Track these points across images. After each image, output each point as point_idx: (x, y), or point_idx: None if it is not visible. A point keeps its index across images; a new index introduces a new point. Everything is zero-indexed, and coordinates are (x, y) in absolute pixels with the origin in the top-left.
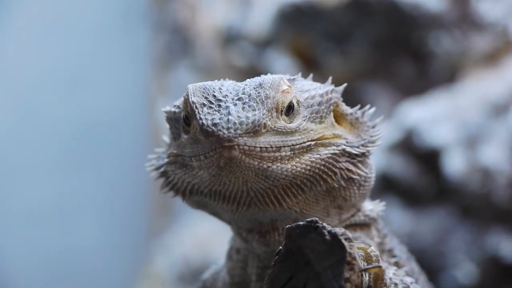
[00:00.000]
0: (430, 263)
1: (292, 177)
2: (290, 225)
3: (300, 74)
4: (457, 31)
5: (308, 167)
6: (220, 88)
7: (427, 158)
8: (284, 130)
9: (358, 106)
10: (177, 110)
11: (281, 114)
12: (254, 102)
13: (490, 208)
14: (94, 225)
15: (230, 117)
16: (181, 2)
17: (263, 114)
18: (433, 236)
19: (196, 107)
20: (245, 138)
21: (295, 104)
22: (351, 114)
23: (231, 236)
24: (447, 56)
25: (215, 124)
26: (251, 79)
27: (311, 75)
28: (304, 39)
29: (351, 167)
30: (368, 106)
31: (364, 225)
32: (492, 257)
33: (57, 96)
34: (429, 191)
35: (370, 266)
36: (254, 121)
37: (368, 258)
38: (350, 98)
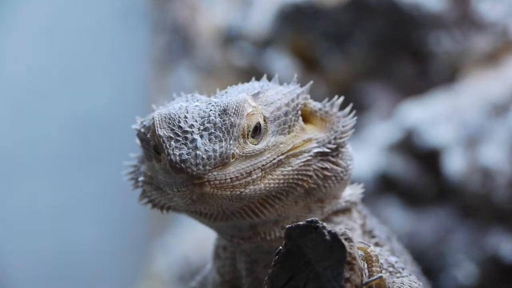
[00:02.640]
0: (430, 263)
1: (266, 193)
2: (290, 225)
3: (265, 77)
4: (457, 31)
5: (282, 181)
6: (185, 117)
7: (427, 158)
8: (253, 153)
9: (326, 99)
10: (146, 132)
11: (248, 137)
12: (220, 132)
13: (490, 208)
14: (94, 225)
15: (197, 151)
16: (181, 2)
17: (230, 145)
18: (433, 236)
19: (164, 141)
20: (214, 173)
21: (262, 123)
22: (320, 109)
23: (216, 236)
24: (447, 56)
25: (183, 161)
26: (217, 100)
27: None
28: (304, 39)
29: (326, 164)
30: (336, 97)
31: (346, 209)
32: (492, 257)
33: (57, 96)
34: (429, 191)
35: (371, 279)
36: (222, 154)
37: (368, 258)
38: (350, 98)
